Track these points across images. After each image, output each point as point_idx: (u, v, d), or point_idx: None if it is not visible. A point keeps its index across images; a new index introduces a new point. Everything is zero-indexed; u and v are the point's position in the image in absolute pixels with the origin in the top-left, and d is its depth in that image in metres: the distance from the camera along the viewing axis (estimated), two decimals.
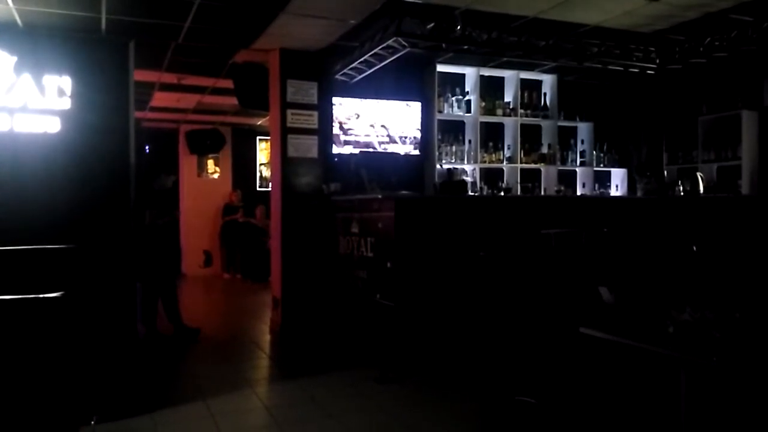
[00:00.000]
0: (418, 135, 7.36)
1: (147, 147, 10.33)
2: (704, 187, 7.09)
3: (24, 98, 3.96)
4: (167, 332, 6.07)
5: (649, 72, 6.78)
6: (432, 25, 5.49)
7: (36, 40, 4.12)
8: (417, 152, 7.35)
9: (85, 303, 3.29)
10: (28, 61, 3.97)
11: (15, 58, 3.95)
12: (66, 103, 4.04)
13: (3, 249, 3.20)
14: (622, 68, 6.66)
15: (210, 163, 12.24)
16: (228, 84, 7.45)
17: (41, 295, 1.89)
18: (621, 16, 5.62)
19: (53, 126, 4.02)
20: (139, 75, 5.39)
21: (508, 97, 7.74)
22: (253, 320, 7.36)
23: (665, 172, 8.06)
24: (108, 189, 4.09)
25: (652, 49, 6.49)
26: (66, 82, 4.04)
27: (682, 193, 6.99)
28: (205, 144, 11.88)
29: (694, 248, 4.29)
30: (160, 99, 9.23)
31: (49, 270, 3.13)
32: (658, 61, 6.59)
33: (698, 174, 7.25)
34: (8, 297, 1.87)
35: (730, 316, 2.23)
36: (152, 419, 3.81)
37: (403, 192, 5.59)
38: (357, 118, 7.12)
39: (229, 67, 7.13)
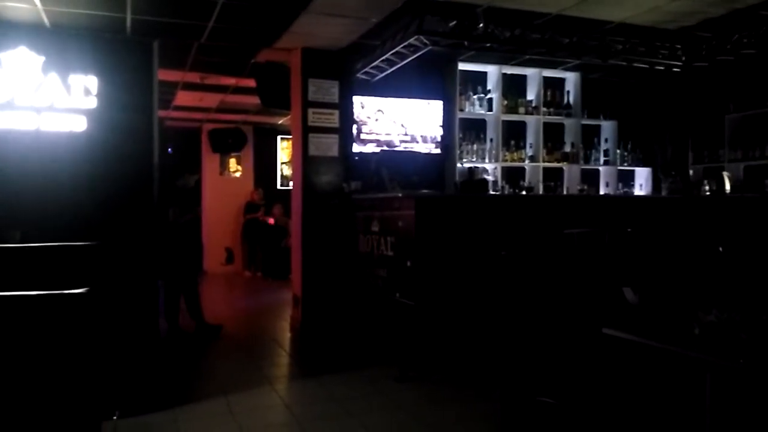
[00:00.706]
0: (440, 133, 7.33)
1: (170, 148, 10.47)
2: (731, 187, 6.95)
3: (51, 98, 4.03)
4: (189, 329, 6.13)
5: (674, 69, 6.68)
6: (454, 22, 5.47)
7: (63, 41, 4.20)
8: (438, 151, 7.33)
9: (109, 299, 3.34)
10: (55, 61, 4.04)
11: (43, 58, 4.02)
12: (92, 103, 4.11)
13: (29, 246, 3.26)
14: (647, 66, 6.56)
15: (232, 161, 12.34)
16: (250, 83, 7.50)
17: (66, 291, 1.92)
18: (646, 13, 5.53)
19: (79, 125, 4.09)
20: (163, 74, 5.45)
21: (531, 96, 7.68)
22: (274, 318, 7.40)
23: (690, 172, 7.92)
24: (132, 187, 4.15)
25: (678, 46, 6.38)
26: (92, 81, 4.11)
27: (707, 193, 6.87)
28: (227, 143, 11.98)
29: (721, 249, 4.20)
30: (183, 98, 9.32)
31: (74, 267, 3.18)
32: (684, 58, 6.49)
33: (724, 173, 7.12)
34: (34, 293, 1.89)
35: (758, 318, 2.18)
36: (173, 415, 3.85)
37: (424, 191, 5.57)
38: (378, 116, 7.12)
39: (251, 67, 7.17)
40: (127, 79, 4.19)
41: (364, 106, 7.01)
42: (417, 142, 7.29)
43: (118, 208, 4.07)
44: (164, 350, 5.21)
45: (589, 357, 2.94)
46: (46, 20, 5.25)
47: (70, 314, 1.95)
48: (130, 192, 4.14)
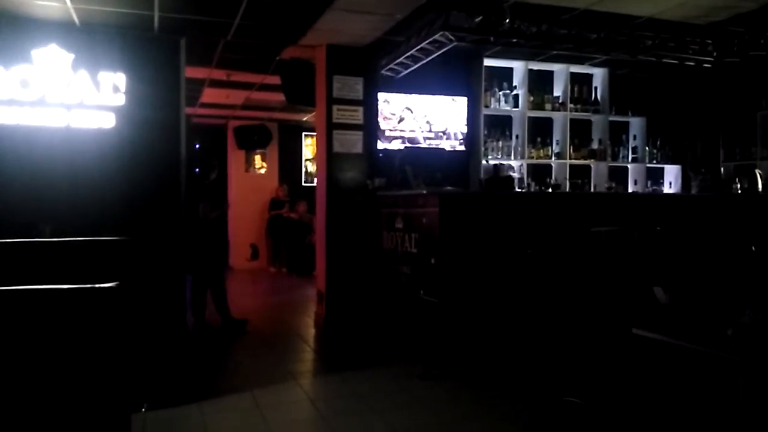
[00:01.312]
0: (464, 130, 7.29)
1: (197, 144, 10.56)
2: (763, 185, 6.80)
3: (81, 95, 4.10)
4: (215, 324, 6.19)
5: (705, 65, 6.54)
6: (480, 18, 5.42)
7: (92, 38, 4.26)
8: (463, 148, 7.28)
9: (138, 294, 3.38)
10: (85, 59, 4.10)
11: (72, 56, 4.09)
12: (120, 99, 4.16)
13: (60, 240, 3.31)
14: (677, 61, 6.44)
15: (257, 158, 12.42)
16: (275, 80, 7.53)
17: (96, 285, 1.94)
18: (676, 8, 5.42)
19: (108, 121, 4.14)
20: (190, 72, 5.50)
21: (558, 92, 7.58)
22: (298, 314, 7.44)
23: (722, 169, 7.76)
24: (160, 183, 4.20)
25: (709, 41, 6.25)
26: (120, 78, 4.16)
27: (739, 191, 6.72)
28: (252, 139, 12.05)
29: (753, 248, 4.11)
30: (209, 95, 9.41)
31: (104, 261, 3.22)
32: (715, 53, 6.35)
33: (757, 171, 6.95)
34: (65, 286, 1.92)
35: None
36: (200, 408, 3.89)
37: (448, 188, 5.54)
38: (402, 113, 7.10)
39: (276, 64, 7.20)
40: (155, 77, 4.23)
41: (388, 103, 6.99)
42: (441, 138, 7.25)
43: (146, 203, 4.12)
44: (191, 344, 5.27)
45: (618, 357, 2.89)
46: (75, 18, 5.34)
47: (100, 308, 1.97)
48: (158, 188, 4.19)
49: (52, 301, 1.92)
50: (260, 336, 6.17)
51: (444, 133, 7.25)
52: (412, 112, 7.13)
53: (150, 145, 4.17)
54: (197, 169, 6.21)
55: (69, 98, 4.08)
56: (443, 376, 4.54)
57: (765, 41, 5.88)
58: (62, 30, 4.62)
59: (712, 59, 6.41)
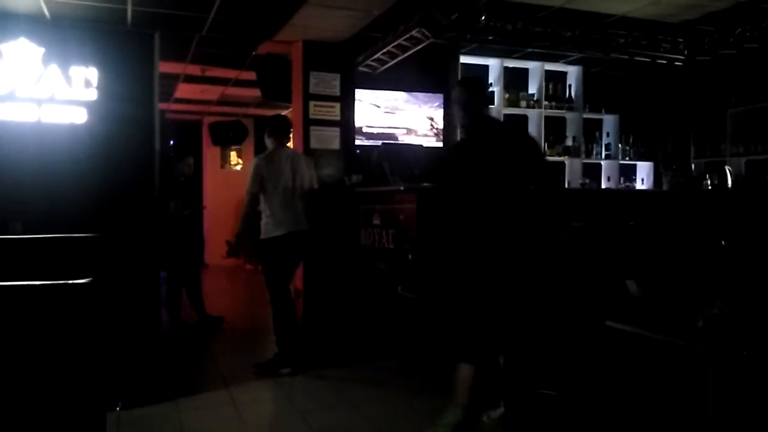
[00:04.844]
0: (441, 127, 7.32)
1: (171, 141, 10.42)
2: (732, 181, 6.95)
3: (52, 89, 4.03)
4: (191, 321, 6.14)
5: (677, 63, 6.65)
6: (456, 15, 5.45)
7: (63, 32, 4.19)
8: (440, 144, 7.31)
9: (111, 291, 3.34)
10: (56, 53, 4.03)
11: (43, 50, 4.01)
12: (92, 95, 4.10)
13: (31, 237, 3.25)
14: (649, 59, 6.54)
15: (233, 154, 12.32)
16: (251, 76, 7.48)
17: (68, 282, 1.92)
18: (648, 6, 5.51)
19: (80, 117, 4.08)
20: (164, 67, 5.44)
21: (533, 89, 7.66)
22: None
23: (692, 166, 7.91)
24: (133, 179, 4.15)
25: (681, 40, 6.36)
26: (92, 73, 4.10)
27: (709, 187, 6.86)
28: (228, 136, 11.95)
29: (723, 242, 4.20)
30: (184, 90, 9.30)
31: (76, 258, 3.18)
32: (686, 52, 6.46)
33: (726, 167, 7.11)
34: (37, 282, 1.89)
35: (761, 310, 2.18)
36: (176, 406, 3.86)
37: (425, 184, 5.56)
38: (379, 109, 7.10)
39: (252, 59, 7.15)
40: (128, 71, 4.18)
41: (365, 99, 6.98)
42: (419, 135, 7.27)
43: (119, 199, 4.07)
44: (166, 342, 5.22)
45: (592, 349, 2.94)
46: (46, 11, 5.23)
47: (73, 305, 1.95)
48: (131, 184, 4.13)
49: (25, 298, 1.88)
50: (236, 333, 6.13)
51: (421, 129, 7.27)
52: (389, 108, 7.14)
53: (123, 141, 4.12)
54: (171, 166, 6.12)
55: (40, 93, 4.01)
56: (420, 370, 4.56)
57: (734, 40, 6.00)
58: (32, 23, 4.52)
59: (683, 57, 6.52)
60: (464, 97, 3.37)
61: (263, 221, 4.76)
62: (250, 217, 4.81)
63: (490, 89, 7.36)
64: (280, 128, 4.95)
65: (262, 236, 4.76)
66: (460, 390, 3.10)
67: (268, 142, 4.90)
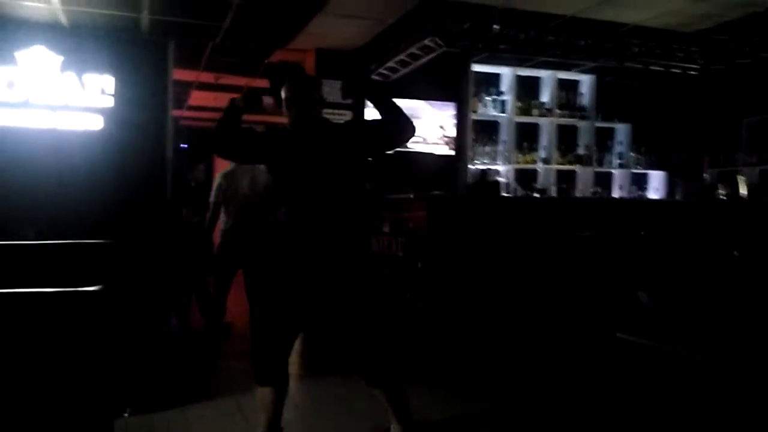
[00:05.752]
0: (452, 135, 7.31)
1: (185, 145, 10.47)
2: (746, 191, 6.87)
3: (67, 96, 4.07)
4: (200, 327, 6.14)
5: (691, 73, 6.61)
6: (469, 24, 5.45)
7: (80, 40, 4.24)
8: (450, 152, 7.31)
9: (122, 297, 3.36)
10: (72, 61, 4.08)
11: (60, 58, 4.06)
12: (107, 102, 4.14)
13: (44, 243, 3.28)
14: (663, 68, 6.51)
15: None
16: (264, 83, 7.52)
17: (80, 289, 1.93)
18: (662, 16, 5.49)
19: (95, 123, 4.12)
20: (178, 74, 5.48)
21: (545, 98, 7.64)
22: None
23: (705, 176, 7.84)
24: (145, 186, 4.18)
25: (695, 49, 6.32)
26: (108, 80, 4.14)
27: (722, 197, 6.79)
28: None
29: (736, 253, 4.16)
30: (197, 98, 9.37)
31: (88, 264, 3.20)
32: (701, 61, 6.42)
33: (738, 177, 7.03)
34: (48, 290, 1.91)
35: None
36: (183, 413, 3.86)
37: (435, 192, 5.55)
38: None
39: (264, 67, 7.19)
40: (143, 79, 4.22)
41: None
42: (429, 143, 7.27)
43: (131, 206, 4.10)
44: (175, 348, 5.23)
45: (602, 360, 2.91)
46: (63, 20, 5.30)
47: (84, 311, 1.96)
48: (143, 190, 4.16)
49: (36, 305, 1.90)
50: (245, 339, 6.12)
51: (432, 137, 7.27)
52: None
53: (137, 148, 4.15)
54: (185, 170, 6.14)
55: (55, 100, 4.05)
56: (428, 379, 4.53)
57: (750, 49, 5.96)
58: (50, 31, 4.60)
59: (698, 67, 6.48)
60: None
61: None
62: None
63: (502, 97, 7.36)
64: None
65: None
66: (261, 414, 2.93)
67: None
